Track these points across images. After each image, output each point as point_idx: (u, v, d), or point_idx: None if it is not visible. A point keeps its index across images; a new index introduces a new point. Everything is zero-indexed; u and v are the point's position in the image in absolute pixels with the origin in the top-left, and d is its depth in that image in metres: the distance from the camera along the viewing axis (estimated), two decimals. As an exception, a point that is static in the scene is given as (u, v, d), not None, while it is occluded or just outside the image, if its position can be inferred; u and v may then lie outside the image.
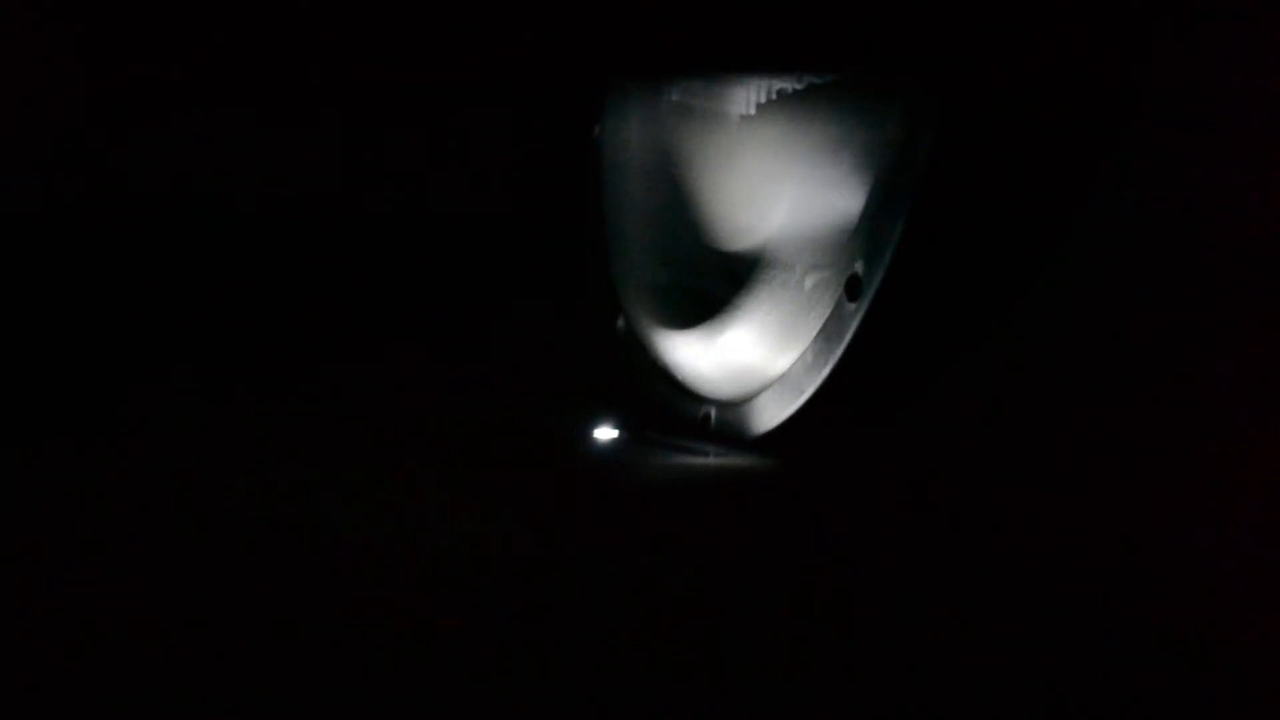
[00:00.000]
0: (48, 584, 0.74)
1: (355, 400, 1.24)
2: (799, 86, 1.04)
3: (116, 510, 0.88)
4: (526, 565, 0.80)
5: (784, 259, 1.05)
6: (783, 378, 1.01)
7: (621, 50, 0.95)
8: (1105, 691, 0.64)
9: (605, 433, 1.14)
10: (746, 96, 1.11)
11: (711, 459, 1.07)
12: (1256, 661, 0.66)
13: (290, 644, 0.66)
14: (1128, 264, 0.81)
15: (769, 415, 1.02)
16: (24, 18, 0.92)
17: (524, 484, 1.00)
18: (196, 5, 0.89)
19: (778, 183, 1.07)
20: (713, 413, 1.11)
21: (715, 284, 1.14)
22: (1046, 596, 0.76)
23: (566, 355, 1.30)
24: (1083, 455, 0.85)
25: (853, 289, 0.93)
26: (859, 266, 0.92)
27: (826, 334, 0.96)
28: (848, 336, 0.93)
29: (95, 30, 0.92)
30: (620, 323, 1.27)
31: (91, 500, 0.91)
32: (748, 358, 1.07)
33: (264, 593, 0.73)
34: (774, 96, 1.08)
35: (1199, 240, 0.78)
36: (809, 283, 1.00)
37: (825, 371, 0.96)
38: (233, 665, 0.63)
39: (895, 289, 0.90)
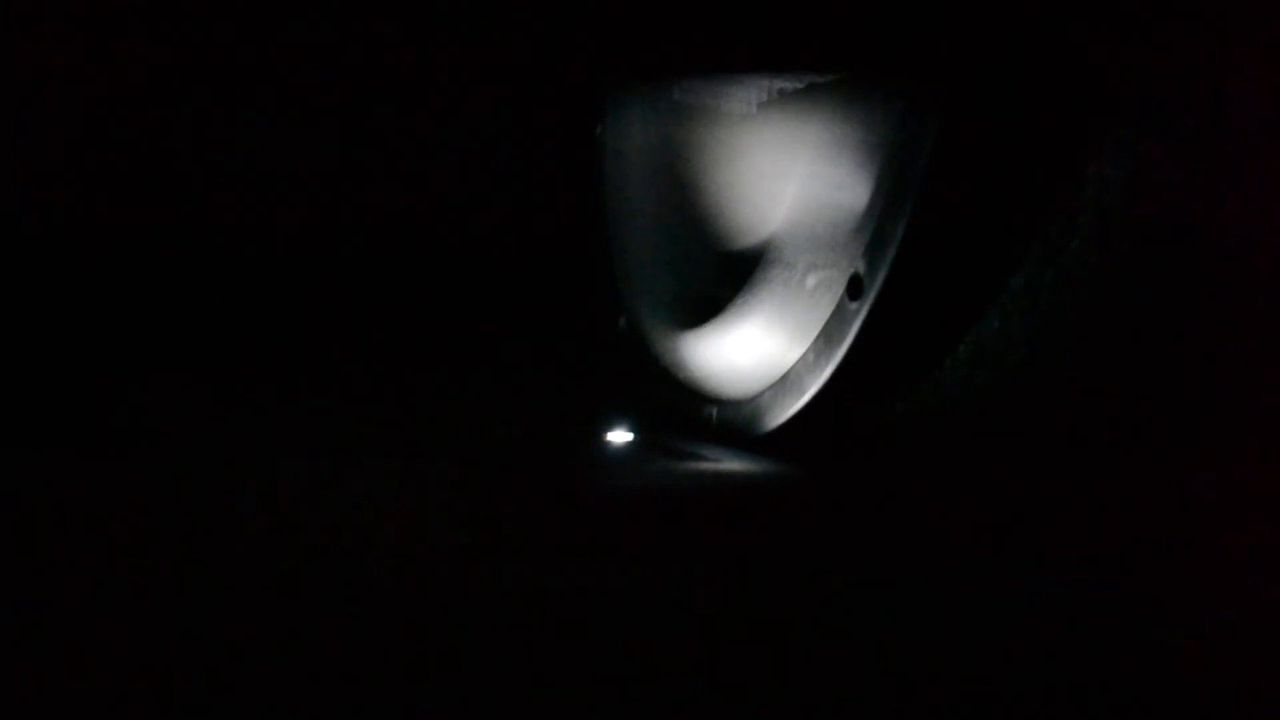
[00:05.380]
0: (47, 584, 0.74)
1: (357, 403, 1.24)
2: (800, 86, 1.04)
3: (118, 512, 0.89)
4: (527, 567, 0.80)
5: (786, 258, 1.05)
6: (785, 377, 1.01)
7: (623, 50, 0.95)
8: (1105, 693, 0.64)
9: (618, 435, 1.14)
10: (748, 96, 1.11)
11: (714, 460, 1.07)
12: (1257, 665, 0.66)
13: (292, 648, 0.66)
14: (1130, 263, 0.81)
15: (771, 414, 1.02)
16: (26, 21, 0.92)
17: (526, 485, 1.00)
18: (191, 8, 0.89)
19: (779, 182, 1.07)
20: (715, 412, 1.11)
21: (717, 283, 1.14)
22: (1049, 598, 0.76)
23: (568, 355, 1.30)
24: (1084, 455, 0.85)
25: (854, 288, 0.93)
26: (860, 266, 0.92)
27: (828, 333, 0.96)
28: (849, 336, 0.93)
29: (98, 29, 0.92)
30: (622, 322, 1.27)
31: (93, 501, 0.91)
32: (750, 357, 1.07)
33: (266, 597, 0.73)
34: (775, 95, 1.08)
35: (1202, 239, 0.78)
36: (811, 282, 1.00)
37: (827, 371, 0.96)
38: (231, 665, 0.63)
39: (897, 288, 0.90)
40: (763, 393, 1.03)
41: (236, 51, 0.92)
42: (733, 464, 1.05)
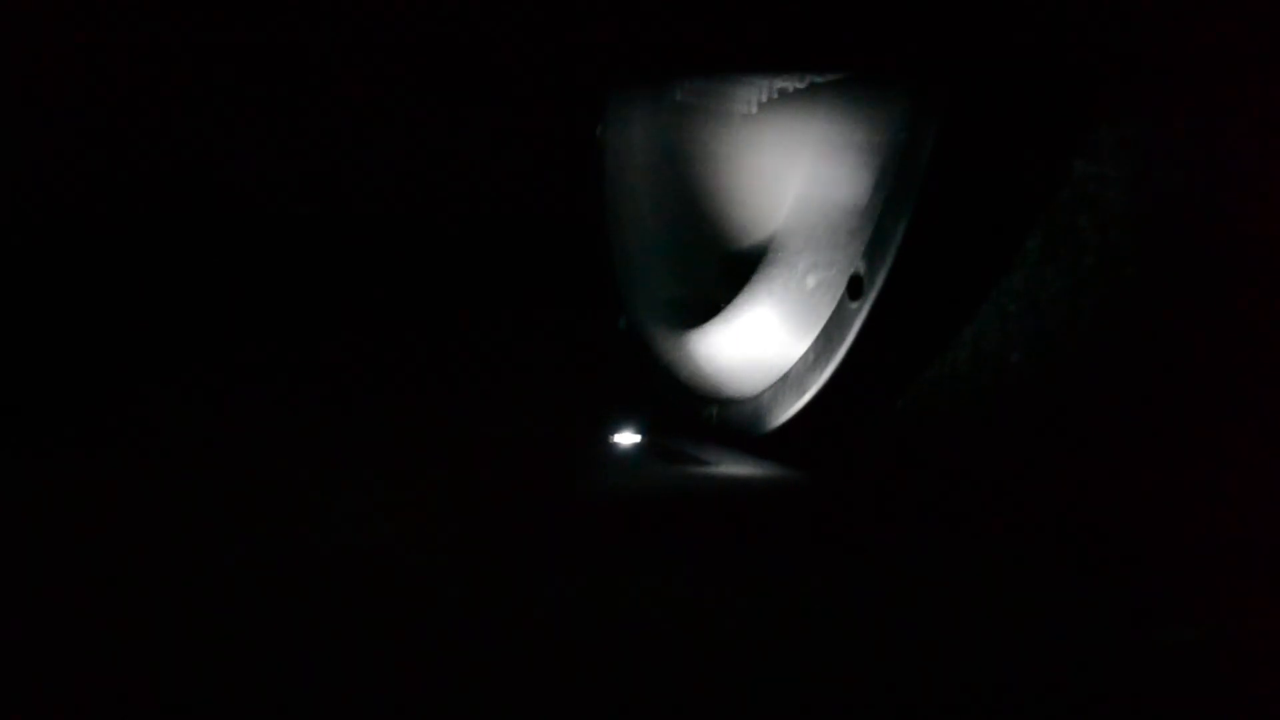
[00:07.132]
0: (47, 584, 0.74)
1: (356, 402, 1.24)
2: (801, 86, 1.04)
3: (117, 510, 0.89)
4: (526, 568, 0.80)
5: (786, 258, 1.05)
6: (785, 377, 1.01)
7: (624, 49, 0.95)
8: (1108, 693, 0.64)
9: (623, 436, 1.14)
10: (749, 95, 1.11)
11: (715, 461, 1.07)
12: (1257, 663, 0.66)
13: (289, 648, 0.66)
14: (1130, 263, 0.81)
15: (772, 414, 1.02)
16: (25, 18, 0.92)
17: (525, 486, 1.00)
18: (197, 7, 0.89)
19: (780, 182, 1.07)
20: (715, 412, 1.11)
21: (717, 283, 1.14)
22: (1051, 597, 0.76)
23: (568, 355, 1.31)
24: (1085, 455, 0.85)
25: (855, 288, 0.93)
26: (861, 266, 0.92)
27: (828, 333, 0.96)
28: (850, 336, 0.93)
29: (97, 26, 0.92)
30: (623, 322, 1.27)
31: (92, 500, 0.91)
32: (750, 357, 1.07)
33: (264, 595, 0.73)
34: (776, 96, 1.08)
35: (1202, 238, 0.78)
36: (811, 282, 1.00)
37: (828, 371, 0.96)
38: (228, 664, 0.63)
39: (897, 288, 0.90)
40: (763, 392, 1.03)
41: (235, 50, 0.92)
42: (733, 465, 1.05)
